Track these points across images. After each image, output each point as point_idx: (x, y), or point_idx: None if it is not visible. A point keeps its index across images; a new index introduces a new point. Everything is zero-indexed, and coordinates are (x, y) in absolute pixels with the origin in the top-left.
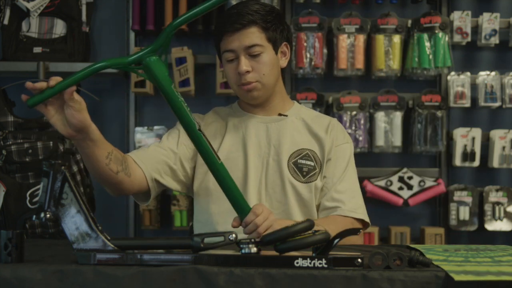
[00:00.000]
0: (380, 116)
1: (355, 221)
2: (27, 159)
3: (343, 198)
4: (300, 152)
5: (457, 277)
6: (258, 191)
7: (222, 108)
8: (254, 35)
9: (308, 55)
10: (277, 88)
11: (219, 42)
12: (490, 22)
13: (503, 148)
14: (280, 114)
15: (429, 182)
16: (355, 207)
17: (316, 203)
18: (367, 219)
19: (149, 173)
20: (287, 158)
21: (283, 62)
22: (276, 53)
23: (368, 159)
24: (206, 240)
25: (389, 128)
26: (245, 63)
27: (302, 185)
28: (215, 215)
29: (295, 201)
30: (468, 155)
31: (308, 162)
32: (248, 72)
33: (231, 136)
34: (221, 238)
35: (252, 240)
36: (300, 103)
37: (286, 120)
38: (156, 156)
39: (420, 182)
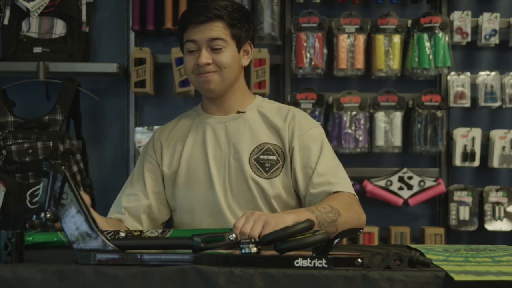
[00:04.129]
0: (380, 116)
1: (348, 193)
2: (27, 159)
3: (327, 179)
4: (260, 147)
5: (457, 277)
6: (224, 192)
7: (187, 113)
8: (218, 29)
9: (308, 55)
10: (236, 86)
11: (183, 33)
12: (490, 22)
13: (503, 148)
14: (238, 112)
15: (429, 182)
16: (340, 182)
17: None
18: (352, 191)
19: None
20: (248, 156)
21: (245, 61)
22: (239, 51)
23: (368, 159)
24: (206, 240)
25: (389, 128)
26: (205, 56)
27: (265, 181)
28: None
29: (261, 198)
30: (468, 155)
31: (270, 157)
32: (208, 64)
33: (192, 140)
34: (221, 238)
35: (252, 240)
36: (299, 103)
37: (244, 116)
38: (135, 213)
39: (420, 182)
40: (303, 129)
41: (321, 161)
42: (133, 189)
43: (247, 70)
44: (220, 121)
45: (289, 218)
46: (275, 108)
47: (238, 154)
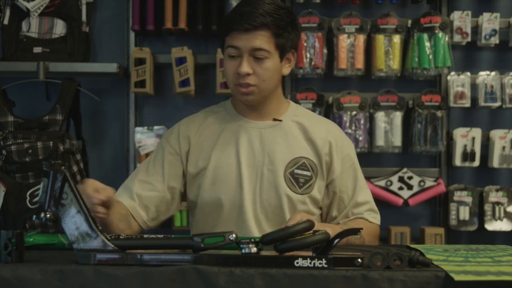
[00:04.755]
0: (380, 116)
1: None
2: (27, 159)
3: (364, 209)
4: (296, 161)
5: (457, 277)
6: (253, 201)
7: (214, 109)
8: (263, 39)
9: (308, 55)
10: (273, 94)
11: (225, 36)
12: (490, 22)
13: (503, 148)
14: (274, 119)
15: (429, 182)
16: (377, 217)
17: (321, 212)
18: (378, 222)
19: (145, 224)
20: (283, 168)
21: (286, 70)
22: (281, 60)
23: (368, 159)
24: (206, 240)
25: (389, 128)
26: (247, 65)
27: (298, 196)
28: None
29: (290, 212)
30: (468, 155)
31: (305, 172)
32: (248, 74)
33: (223, 142)
34: (221, 238)
35: (252, 240)
36: (299, 103)
37: (281, 125)
38: (149, 200)
39: (420, 182)
40: (343, 151)
41: (357, 188)
42: (149, 177)
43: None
44: (255, 127)
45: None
46: (313, 119)
47: (273, 165)
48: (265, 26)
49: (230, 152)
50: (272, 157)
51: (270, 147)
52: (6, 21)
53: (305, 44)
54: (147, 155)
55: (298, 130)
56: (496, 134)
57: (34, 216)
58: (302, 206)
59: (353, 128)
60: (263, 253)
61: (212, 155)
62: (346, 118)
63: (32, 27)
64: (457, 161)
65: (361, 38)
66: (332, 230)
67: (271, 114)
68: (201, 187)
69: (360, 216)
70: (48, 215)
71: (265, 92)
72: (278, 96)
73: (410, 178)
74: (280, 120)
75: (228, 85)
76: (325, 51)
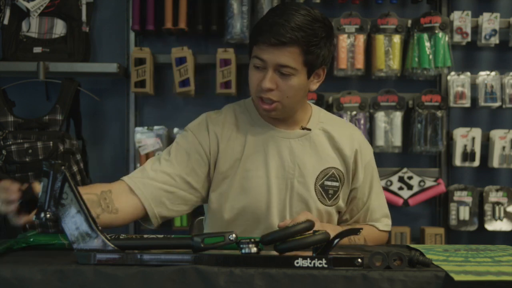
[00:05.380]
0: (380, 116)
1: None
2: (27, 159)
3: (374, 218)
4: (326, 172)
5: (457, 277)
6: (281, 213)
7: (238, 108)
8: (291, 56)
9: None
10: (299, 105)
11: (253, 44)
12: (490, 22)
13: (503, 148)
14: (302, 127)
15: (429, 182)
16: (388, 224)
17: (340, 217)
18: (388, 228)
19: (151, 208)
20: (313, 180)
21: (314, 86)
22: (309, 77)
23: None
24: (206, 240)
25: (389, 128)
26: (270, 80)
27: (328, 209)
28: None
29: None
30: (468, 155)
31: (334, 183)
32: (271, 90)
33: (251, 153)
34: (221, 238)
35: (252, 240)
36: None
37: (309, 134)
38: (157, 186)
39: (420, 182)
40: (366, 158)
41: (374, 195)
42: (171, 169)
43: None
44: (284, 137)
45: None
46: (337, 125)
47: (304, 178)
48: (295, 42)
49: (259, 161)
50: (302, 169)
51: (300, 159)
52: (6, 21)
53: None
54: (147, 155)
55: (325, 139)
56: (496, 134)
57: (34, 216)
58: (329, 218)
59: None
60: (263, 253)
61: (240, 164)
62: (346, 118)
63: (32, 27)
64: (457, 161)
65: (361, 38)
66: (332, 230)
67: (298, 122)
68: (225, 195)
69: (370, 224)
70: (48, 215)
71: (288, 108)
72: (304, 105)
73: (410, 178)
74: (309, 129)
75: (251, 95)
76: None
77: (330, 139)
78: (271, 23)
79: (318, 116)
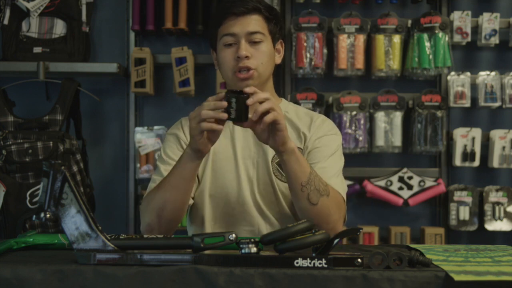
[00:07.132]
0: (380, 116)
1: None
2: (27, 159)
3: (327, 173)
4: None
5: (457, 277)
6: (251, 192)
7: None
8: (257, 22)
9: (308, 55)
10: (268, 85)
11: (218, 27)
12: (490, 22)
13: (503, 148)
14: None
15: (429, 182)
16: (338, 183)
17: None
18: (344, 197)
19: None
20: (270, 158)
21: (278, 59)
22: (274, 47)
23: (368, 159)
24: (206, 240)
25: (389, 128)
26: (245, 48)
27: (285, 184)
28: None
29: (284, 200)
30: (468, 155)
31: None
32: (247, 57)
33: (220, 137)
34: (221, 238)
35: (252, 240)
36: (299, 103)
37: None
38: None
39: (420, 182)
40: (324, 132)
41: (328, 160)
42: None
43: (280, 69)
44: None
45: (292, 144)
46: (301, 112)
47: (265, 156)
48: (258, 10)
49: (227, 145)
50: (265, 148)
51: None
52: (6, 21)
53: (305, 44)
54: (147, 155)
55: (287, 123)
56: (496, 134)
57: (34, 216)
58: (288, 192)
59: (353, 128)
60: (263, 253)
61: (211, 148)
62: (346, 118)
63: (32, 27)
64: (457, 161)
65: (361, 38)
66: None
67: None
68: (202, 181)
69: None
70: (48, 215)
71: (262, 77)
72: (271, 91)
73: (410, 178)
74: None
75: (226, 76)
76: (325, 51)
77: (289, 121)
78: (230, 0)
79: (285, 108)
